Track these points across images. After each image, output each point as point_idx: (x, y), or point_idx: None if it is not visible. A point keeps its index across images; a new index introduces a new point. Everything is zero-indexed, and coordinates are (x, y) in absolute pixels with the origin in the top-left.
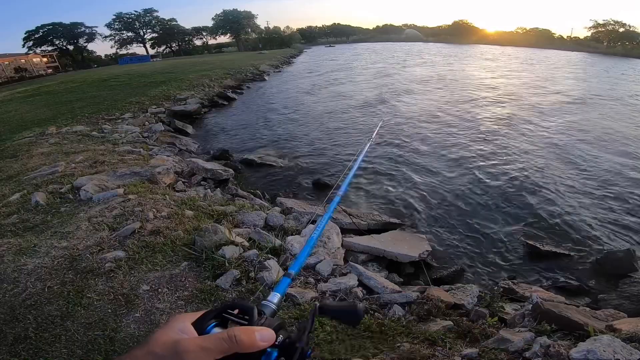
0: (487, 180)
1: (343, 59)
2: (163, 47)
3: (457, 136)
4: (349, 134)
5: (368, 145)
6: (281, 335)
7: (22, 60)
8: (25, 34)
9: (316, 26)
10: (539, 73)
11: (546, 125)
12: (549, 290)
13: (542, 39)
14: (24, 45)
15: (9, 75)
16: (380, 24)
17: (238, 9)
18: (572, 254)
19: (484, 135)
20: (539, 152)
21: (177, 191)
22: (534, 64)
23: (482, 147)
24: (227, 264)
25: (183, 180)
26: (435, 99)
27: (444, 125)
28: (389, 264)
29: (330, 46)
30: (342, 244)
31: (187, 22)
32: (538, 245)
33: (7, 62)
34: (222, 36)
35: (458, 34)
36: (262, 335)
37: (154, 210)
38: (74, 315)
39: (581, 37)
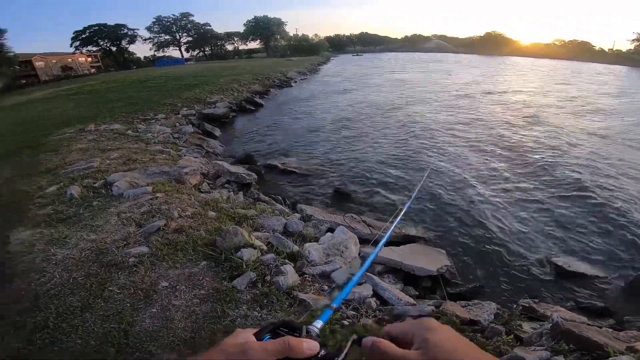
0: (510, 195)
1: (369, 67)
2: (197, 51)
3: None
4: (371, 143)
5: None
6: (323, 350)
7: (69, 60)
8: (73, 33)
9: (344, 34)
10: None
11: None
12: (572, 310)
13: (581, 52)
14: (71, 45)
15: (55, 73)
16: (409, 34)
17: (269, 16)
18: (599, 275)
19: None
20: (573, 164)
21: (202, 192)
22: (535, 73)
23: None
24: (244, 266)
25: (208, 181)
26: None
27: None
28: (406, 276)
29: (357, 55)
30: (359, 254)
31: (219, 26)
32: (563, 266)
33: (55, 61)
34: (252, 42)
35: (490, 45)
36: (309, 345)
37: (179, 209)
38: (93, 307)
39: (624, 50)
